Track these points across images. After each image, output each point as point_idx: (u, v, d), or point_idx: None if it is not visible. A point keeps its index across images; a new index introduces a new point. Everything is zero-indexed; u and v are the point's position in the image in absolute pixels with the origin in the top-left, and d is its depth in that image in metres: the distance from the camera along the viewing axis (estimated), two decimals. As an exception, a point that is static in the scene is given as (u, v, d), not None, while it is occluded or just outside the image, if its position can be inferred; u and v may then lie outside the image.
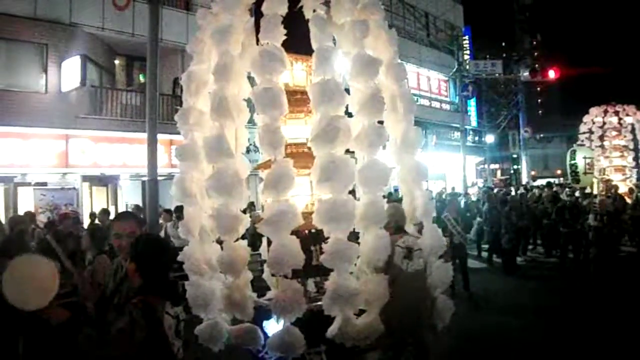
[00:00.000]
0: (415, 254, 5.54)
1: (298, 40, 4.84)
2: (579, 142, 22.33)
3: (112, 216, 12.33)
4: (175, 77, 19.76)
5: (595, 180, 20.18)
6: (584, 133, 22.96)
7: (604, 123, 22.49)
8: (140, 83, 20.74)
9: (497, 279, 14.17)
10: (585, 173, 20.70)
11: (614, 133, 22.05)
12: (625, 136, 22.26)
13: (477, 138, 42.87)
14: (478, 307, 11.30)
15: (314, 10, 4.99)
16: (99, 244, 7.68)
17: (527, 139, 37.20)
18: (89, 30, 18.28)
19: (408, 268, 5.51)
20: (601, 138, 22.46)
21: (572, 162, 21.13)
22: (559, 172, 35.86)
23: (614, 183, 20.97)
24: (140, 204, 17.78)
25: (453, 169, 34.45)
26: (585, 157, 20.88)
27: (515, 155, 41.71)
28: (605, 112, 22.32)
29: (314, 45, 4.84)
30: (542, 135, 55.84)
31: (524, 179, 34.69)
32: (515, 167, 44.01)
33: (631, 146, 22.24)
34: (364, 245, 4.84)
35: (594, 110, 22.68)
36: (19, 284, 2.94)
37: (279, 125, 4.64)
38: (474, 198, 24.15)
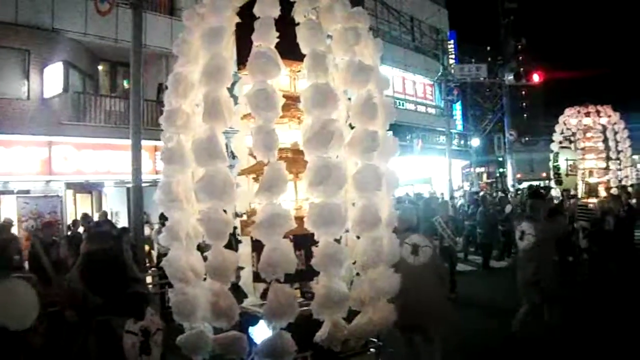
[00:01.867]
0: (421, 250, 6.43)
1: (282, 45, 4.77)
2: (561, 145, 22.22)
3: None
4: (160, 82, 19.65)
5: (580, 183, 20.26)
6: (563, 135, 22.74)
7: (581, 124, 22.32)
8: (124, 89, 20.61)
9: (484, 282, 14.19)
10: (567, 175, 20.80)
11: (589, 134, 22.00)
12: (597, 137, 22.15)
13: (462, 142, 43.03)
14: (465, 309, 11.27)
15: (305, 15, 4.96)
16: (77, 252, 7.55)
17: (513, 143, 37.28)
18: (71, 36, 18.13)
19: (415, 262, 6.38)
20: (577, 140, 22.33)
21: (555, 164, 21.21)
22: (544, 175, 36.00)
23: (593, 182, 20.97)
24: (126, 211, 17.67)
25: (439, 173, 34.49)
26: (567, 159, 20.96)
27: (500, 159, 41.83)
28: (580, 113, 22.22)
29: (306, 49, 4.81)
30: (527, 138, 56.17)
31: (510, 182, 34.74)
32: (501, 170, 44.11)
33: (602, 147, 22.16)
34: (359, 248, 4.87)
35: (568, 111, 22.57)
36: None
37: (274, 128, 4.60)
38: (461, 201, 24.22)
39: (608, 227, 11.89)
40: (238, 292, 5.18)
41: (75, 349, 2.93)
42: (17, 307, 2.90)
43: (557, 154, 21.50)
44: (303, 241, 4.76)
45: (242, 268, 5.06)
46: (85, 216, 13.60)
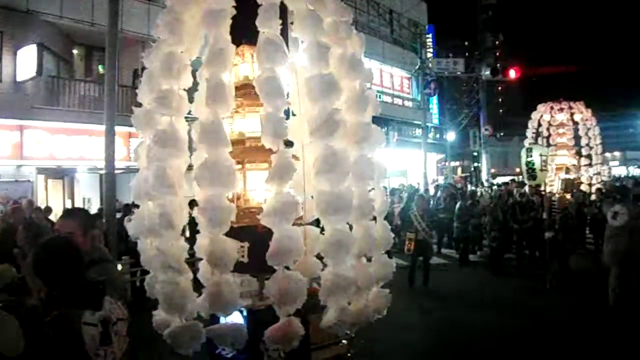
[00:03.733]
0: None
1: (244, 29, 4.74)
2: (532, 142, 22.37)
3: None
4: (136, 68, 19.43)
5: (557, 179, 20.43)
6: (537, 130, 22.87)
7: (555, 121, 22.47)
8: (100, 74, 20.33)
9: (456, 275, 14.32)
10: (541, 170, 20.85)
11: (561, 130, 22.17)
12: (570, 134, 22.33)
13: (438, 135, 43.27)
14: (436, 302, 11.40)
15: (306, 5, 4.92)
16: (34, 240, 7.43)
17: (488, 137, 37.57)
18: (46, 19, 17.82)
19: None
20: (549, 136, 22.47)
21: (529, 159, 21.22)
22: (518, 170, 36.31)
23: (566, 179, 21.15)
24: (98, 198, 17.48)
25: (414, 166, 34.66)
26: (541, 155, 20.99)
27: (475, 153, 42.13)
28: (553, 109, 22.36)
29: (307, 40, 4.78)
30: (502, 133, 56.68)
31: (484, 177, 35.06)
32: (475, 164, 44.46)
33: (572, 143, 22.37)
34: (356, 236, 4.89)
35: (541, 107, 22.72)
36: None
37: (283, 116, 4.59)
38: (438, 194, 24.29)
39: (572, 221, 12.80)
40: (198, 284, 5.14)
41: (34, 344, 2.86)
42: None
43: (530, 148, 21.56)
44: (249, 233, 4.78)
45: (200, 259, 5.00)
46: (38, 209, 13.14)
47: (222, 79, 4.61)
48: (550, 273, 12.39)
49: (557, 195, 15.46)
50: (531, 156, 21.30)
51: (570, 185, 20.09)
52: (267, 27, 4.62)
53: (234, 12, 4.78)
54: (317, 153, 4.64)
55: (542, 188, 19.50)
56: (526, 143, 22.39)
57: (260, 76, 4.57)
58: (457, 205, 17.51)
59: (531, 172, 21.25)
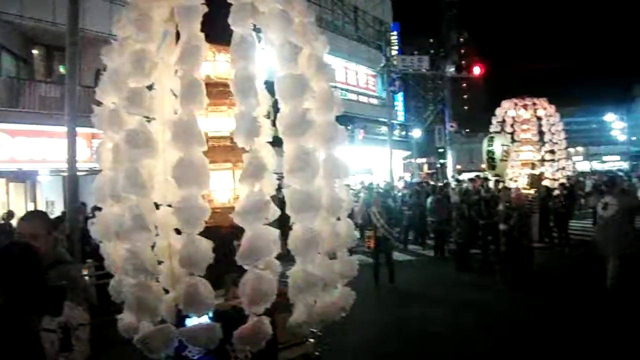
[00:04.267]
0: None
1: (221, 31, 4.68)
2: (495, 130, 22.51)
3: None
4: (98, 68, 19.09)
5: (522, 174, 20.65)
6: (501, 127, 23.02)
7: (519, 117, 22.70)
8: (61, 74, 19.97)
9: (422, 271, 14.40)
10: (502, 160, 20.88)
11: (525, 127, 22.43)
12: (534, 129, 22.60)
13: (404, 132, 43.52)
14: (402, 299, 11.45)
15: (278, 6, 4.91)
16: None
17: (453, 134, 37.98)
18: (5, 18, 17.45)
19: None
20: (514, 132, 22.71)
21: (490, 148, 21.24)
22: (483, 166, 36.79)
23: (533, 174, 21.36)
24: (62, 201, 17.17)
25: (380, 163, 34.84)
26: (503, 145, 21.02)
27: (441, 150, 42.50)
28: (517, 105, 22.60)
29: (277, 40, 4.78)
30: (467, 130, 57.26)
31: (450, 173, 35.38)
32: (441, 161, 44.85)
33: (536, 139, 22.65)
34: (323, 234, 4.92)
35: (505, 104, 22.95)
36: None
37: (256, 115, 4.58)
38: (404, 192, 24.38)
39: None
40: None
41: None
42: None
43: (491, 137, 21.51)
44: (213, 234, 4.67)
45: (161, 262, 4.92)
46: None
47: (195, 77, 4.56)
48: (499, 269, 12.81)
49: (521, 191, 15.55)
50: (492, 145, 21.16)
51: (536, 181, 20.34)
52: (240, 25, 4.60)
53: (205, 9, 4.76)
54: (288, 152, 4.65)
55: (504, 181, 19.69)
56: (490, 137, 22.65)
57: (236, 74, 4.56)
58: (429, 200, 17.59)
59: (491, 162, 21.12)
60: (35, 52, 20.61)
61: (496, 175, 20.48)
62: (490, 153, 21.22)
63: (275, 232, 4.69)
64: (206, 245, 4.53)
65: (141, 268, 4.53)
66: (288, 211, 4.69)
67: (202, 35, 4.66)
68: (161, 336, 4.47)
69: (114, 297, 5.11)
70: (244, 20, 4.58)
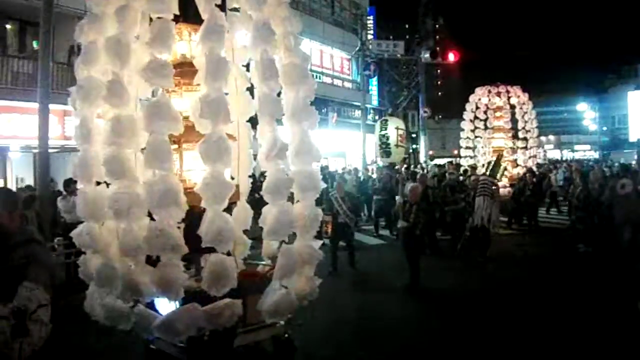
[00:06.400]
0: None
1: (197, 12, 4.76)
2: (467, 124, 22.49)
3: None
4: (71, 44, 18.90)
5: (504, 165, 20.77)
6: (474, 113, 22.97)
7: (492, 104, 22.76)
8: (34, 50, 19.70)
9: (389, 257, 14.43)
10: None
11: (498, 114, 22.49)
12: (507, 117, 22.66)
13: (377, 117, 43.53)
14: (361, 284, 11.49)
15: None
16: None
17: (427, 119, 38.19)
18: (-24, -8, 17.14)
19: None
20: (487, 119, 22.75)
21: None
22: (455, 152, 37.06)
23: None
24: (32, 177, 17.02)
25: (353, 147, 34.96)
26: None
27: (414, 135, 42.72)
28: (490, 92, 22.62)
29: (250, 23, 4.96)
30: (441, 116, 57.49)
31: (422, 159, 35.60)
32: (414, 146, 45.06)
33: (509, 126, 22.72)
34: (301, 212, 5.11)
35: (479, 91, 23.07)
36: None
37: (224, 97, 4.65)
38: (374, 176, 24.38)
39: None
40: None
41: None
42: None
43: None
44: (186, 214, 4.80)
45: None
46: None
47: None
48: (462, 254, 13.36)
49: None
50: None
51: (496, 166, 20.37)
52: (209, 7, 4.67)
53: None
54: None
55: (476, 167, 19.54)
56: (464, 125, 22.64)
57: (207, 58, 4.64)
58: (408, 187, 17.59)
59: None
60: (8, 27, 20.30)
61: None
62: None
63: (229, 217, 4.73)
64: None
65: (126, 251, 4.64)
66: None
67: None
68: (188, 316, 4.51)
69: (82, 275, 5.15)
70: (213, 6, 4.69)
